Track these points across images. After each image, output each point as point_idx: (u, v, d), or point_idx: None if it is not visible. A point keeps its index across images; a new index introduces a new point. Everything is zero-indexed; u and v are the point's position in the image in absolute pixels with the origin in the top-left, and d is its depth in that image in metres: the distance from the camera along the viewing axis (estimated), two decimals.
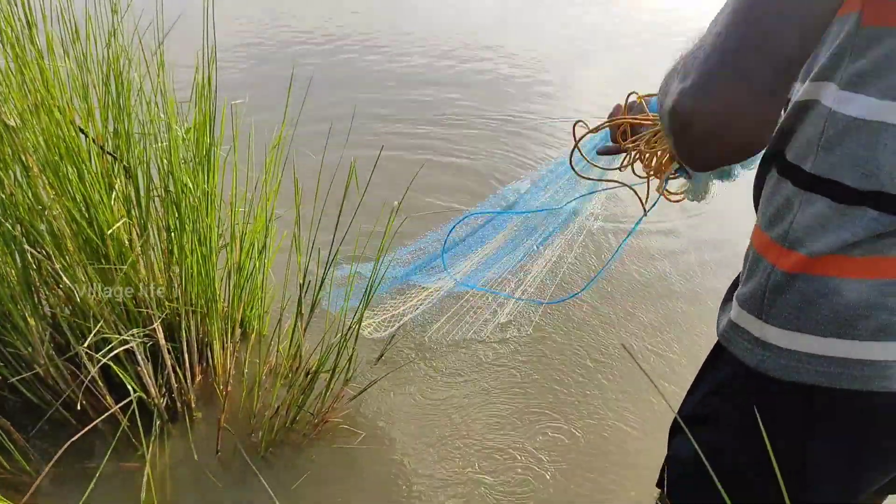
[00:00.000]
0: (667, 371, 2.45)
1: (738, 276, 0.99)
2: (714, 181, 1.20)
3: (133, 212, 1.85)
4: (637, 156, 1.28)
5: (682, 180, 1.25)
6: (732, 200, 2.23)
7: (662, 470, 1.10)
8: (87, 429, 1.59)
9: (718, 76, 0.71)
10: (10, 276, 1.72)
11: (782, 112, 0.88)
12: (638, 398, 2.32)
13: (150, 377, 1.84)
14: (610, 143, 1.34)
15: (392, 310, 2.29)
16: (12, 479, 1.78)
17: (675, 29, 7.14)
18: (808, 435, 0.88)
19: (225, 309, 2.12)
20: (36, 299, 1.83)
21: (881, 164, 0.76)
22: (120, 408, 1.76)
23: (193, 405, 2.05)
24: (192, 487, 1.86)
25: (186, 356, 1.97)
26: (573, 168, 1.43)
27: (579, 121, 1.36)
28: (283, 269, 1.98)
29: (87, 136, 1.76)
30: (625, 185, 1.39)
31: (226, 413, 1.98)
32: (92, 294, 1.74)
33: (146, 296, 1.81)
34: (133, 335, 1.73)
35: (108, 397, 1.80)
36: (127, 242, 1.85)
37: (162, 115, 1.82)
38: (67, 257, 1.76)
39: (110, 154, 1.83)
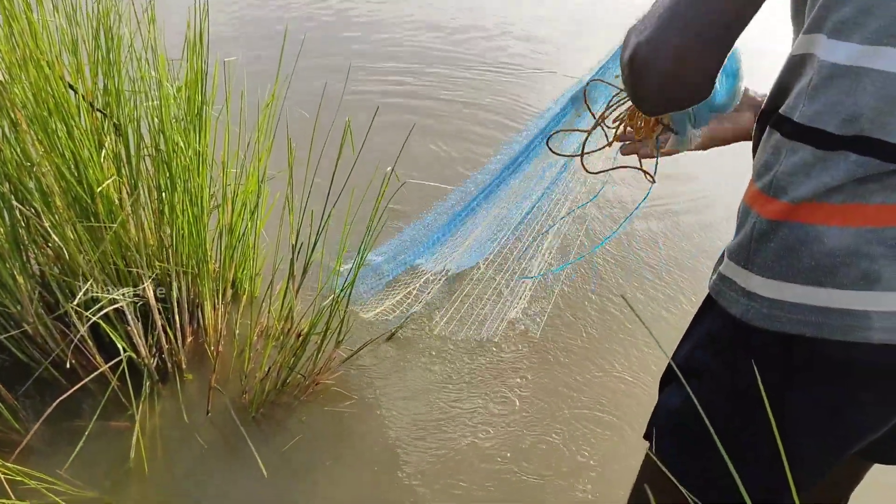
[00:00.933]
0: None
1: None
2: (695, 130, 1.22)
3: (123, 170, 1.82)
4: (622, 124, 1.33)
5: (671, 137, 1.25)
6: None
7: (650, 423, 1.10)
8: (76, 387, 1.58)
9: (669, 29, 0.84)
10: None
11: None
12: (630, 351, 2.34)
13: (140, 337, 1.83)
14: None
15: (395, 296, 2.29)
16: (1, 438, 1.78)
17: None
18: (786, 386, 0.88)
19: (216, 270, 2.11)
20: (24, 257, 1.81)
21: (861, 108, 0.77)
22: (110, 367, 1.75)
23: (184, 366, 2.04)
24: (181, 448, 1.86)
25: (177, 317, 1.95)
26: (550, 149, 1.48)
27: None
28: (276, 230, 1.96)
29: (76, 93, 1.73)
30: (631, 167, 1.40)
31: (216, 374, 1.97)
32: (81, 252, 1.73)
33: (136, 255, 1.80)
34: (123, 294, 1.72)
35: (97, 357, 1.79)
36: (117, 201, 1.83)
37: (153, 73, 1.79)
38: (56, 215, 1.74)
39: (100, 111, 1.80)
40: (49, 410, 1.50)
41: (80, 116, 1.73)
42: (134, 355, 1.83)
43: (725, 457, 0.64)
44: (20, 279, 1.74)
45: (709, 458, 0.96)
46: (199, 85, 1.79)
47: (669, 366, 1.07)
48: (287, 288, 1.89)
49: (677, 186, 3.44)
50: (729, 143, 1.23)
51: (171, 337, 1.94)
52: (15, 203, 1.71)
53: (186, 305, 2.00)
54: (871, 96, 0.76)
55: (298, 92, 2.07)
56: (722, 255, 0.98)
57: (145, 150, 1.84)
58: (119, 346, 1.65)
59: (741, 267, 0.91)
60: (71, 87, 1.71)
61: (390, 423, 2.02)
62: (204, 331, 2.11)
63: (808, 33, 0.84)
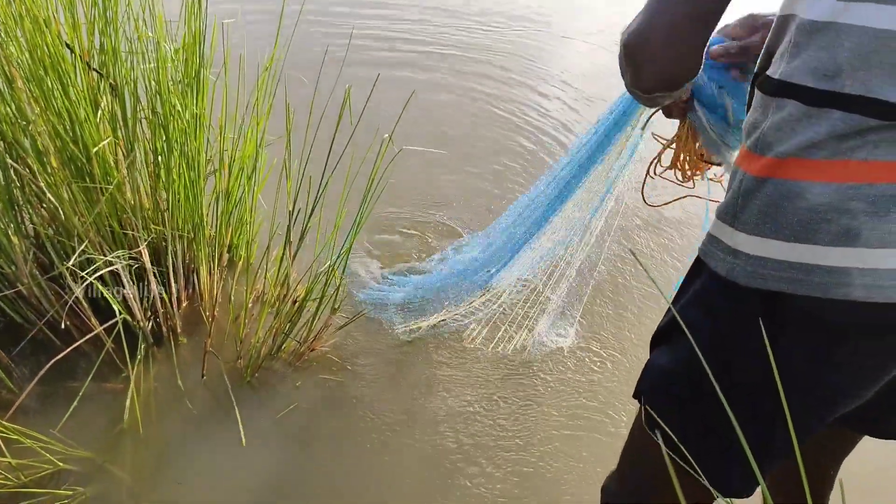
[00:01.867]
0: None
1: None
2: (734, 151, 1.27)
3: (119, 131, 1.81)
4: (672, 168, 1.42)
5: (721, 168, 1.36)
6: None
7: (639, 382, 1.10)
8: (71, 348, 1.58)
9: (657, 14, 0.92)
10: None
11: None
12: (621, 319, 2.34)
13: (135, 300, 1.82)
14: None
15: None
16: None
17: None
18: (770, 343, 0.88)
19: (212, 235, 2.10)
20: (19, 217, 1.80)
21: (840, 63, 0.78)
22: (105, 330, 1.75)
23: (179, 330, 2.04)
24: (175, 410, 1.86)
25: (172, 281, 1.95)
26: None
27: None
28: (273, 195, 1.95)
29: (72, 52, 1.71)
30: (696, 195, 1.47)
31: (211, 339, 1.97)
32: (76, 214, 1.72)
33: (132, 217, 1.79)
34: (118, 257, 1.71)
35: (92, 319, 1.79)
36: (112, 163, 1.81)
37: (150, 33, 1.77)
38: (51, 175, 1.73)
39: (96, 71, 1.78)
40: (43, 371, 1.49)
41: (76, 75, 1.71)
42: (129, 318, 1.82)
43: (730, 412, 0.64)
44: (14, 239, 1.73)
45: (694, 416, 0.98)
46: (198, 46, 1.77)
47: (659, 327, 1.08)
48: (284, 254, 1.88)
49: None
50: None
51: (167, 300, 1.94)
52: (10, 161, 1.69)
53: (182, 270, 2.00)
54: (849, 51, 0.77)
55: (298, 57, 2.05)
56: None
57: (142, 112, 1.82)
58: (114, 307, 1.64)
59: (727, 225, 0.92)
60: (67, 45, 1.69)
61: (384, 393, 2.02)
62: (199, 295, 2.11)
63: None
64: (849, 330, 0.86)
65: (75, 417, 1.67)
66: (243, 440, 1.80)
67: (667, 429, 1.02)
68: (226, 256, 2.25)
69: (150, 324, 1.95)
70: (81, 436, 1.73)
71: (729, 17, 1.02)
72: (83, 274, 1.63)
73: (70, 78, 1.67)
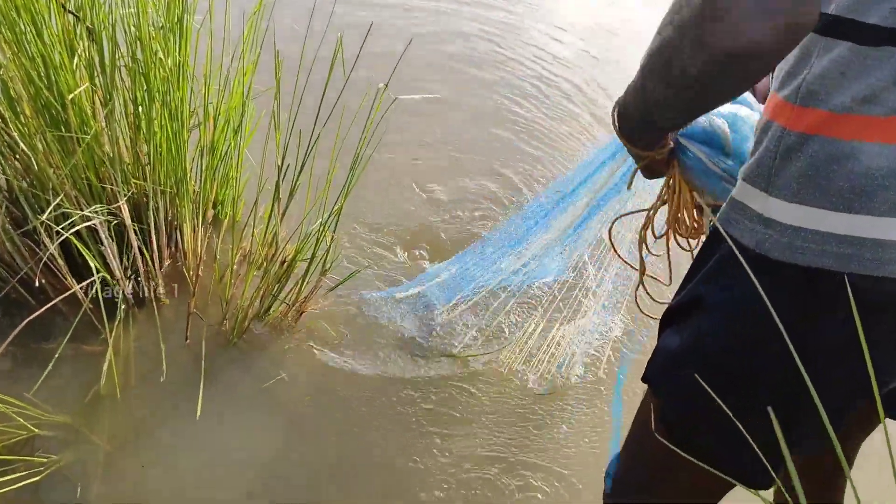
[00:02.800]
0: None
1: None
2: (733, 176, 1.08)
3: (97, 79, 1.70)
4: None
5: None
6: None
7: (648, 366, 1.02)
8: (46, 307, 1.49)
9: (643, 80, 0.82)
10: None
11: None
12: None
13: (114, 257, 1.73)
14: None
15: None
16: None
17: None
18: (809, 326, 0.79)
19: (196, 190, 2.00)
20: None
21: None
22: (83, 289, 1.65)
23: (161, 290, 1.95)
24: (156, 374, 1.77)
25: (154, 238, 1.85)
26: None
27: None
28: (261, 150, 1.85)
29: None
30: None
31: (195, 299, 1.89)
32: (51, 165, 1.62)
33: (111, 170, 1.69)
34: (96, 212, 1.61)
35: (68, 277, 1.69)
36: (90, 112, 1.71)
37: None
38: (25, 124, 1.63)
39: (72, 13, 1.67)
40: (16, 331, 1.40)
41: (50, 17, 1.60)
42: (108, 276, 1.73)
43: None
44: None
45: (708, 402, 0.89)
46: None
47: (670, 307, 0.98)
48: (272, 211, 1.79)
49: None
50: None
51: (148, 259, 1.84)
52: None
53: (164, 227, 1.90)
54: None
55: (288, 1, 1.94)
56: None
57: (121, 58, 1.71)
58: (92, 265, 1.55)
59: (760, 190, 0.80)
60: None
61: (376, 359, 1.95)
62: (183, 254, 2.01)
63: None
64: (888, 307, 0.77)
65: (51, 381, 1.59)
66: (224, 409, 1.73)
67: (671, 416, 0.95)
68: (211, 213, 2.15)
69: (131, 283, 1.85)
70: (57, 400, 1.65)
71: None
72: (58, 228, 1.54)
73: (44, 20, 1.56)
